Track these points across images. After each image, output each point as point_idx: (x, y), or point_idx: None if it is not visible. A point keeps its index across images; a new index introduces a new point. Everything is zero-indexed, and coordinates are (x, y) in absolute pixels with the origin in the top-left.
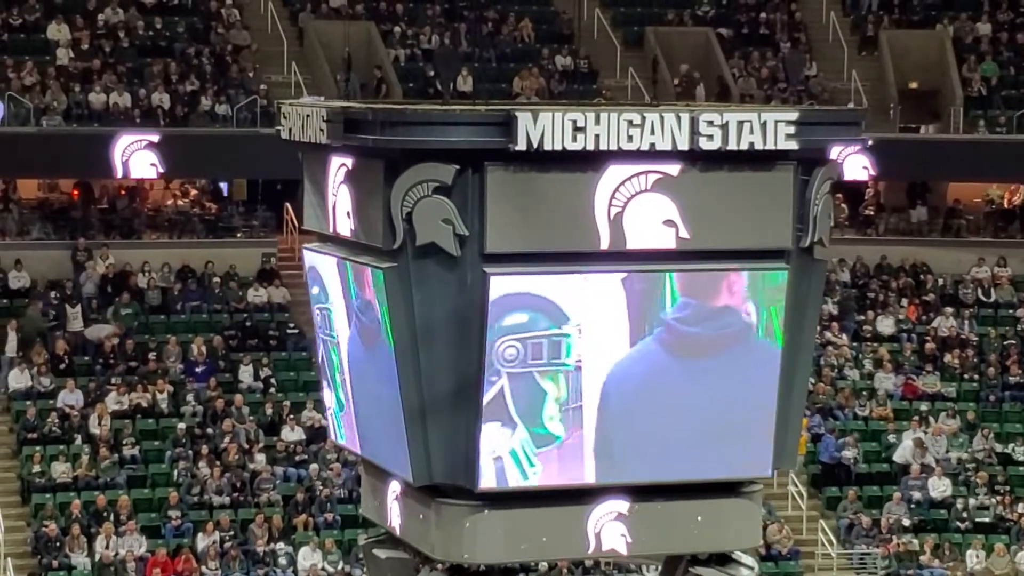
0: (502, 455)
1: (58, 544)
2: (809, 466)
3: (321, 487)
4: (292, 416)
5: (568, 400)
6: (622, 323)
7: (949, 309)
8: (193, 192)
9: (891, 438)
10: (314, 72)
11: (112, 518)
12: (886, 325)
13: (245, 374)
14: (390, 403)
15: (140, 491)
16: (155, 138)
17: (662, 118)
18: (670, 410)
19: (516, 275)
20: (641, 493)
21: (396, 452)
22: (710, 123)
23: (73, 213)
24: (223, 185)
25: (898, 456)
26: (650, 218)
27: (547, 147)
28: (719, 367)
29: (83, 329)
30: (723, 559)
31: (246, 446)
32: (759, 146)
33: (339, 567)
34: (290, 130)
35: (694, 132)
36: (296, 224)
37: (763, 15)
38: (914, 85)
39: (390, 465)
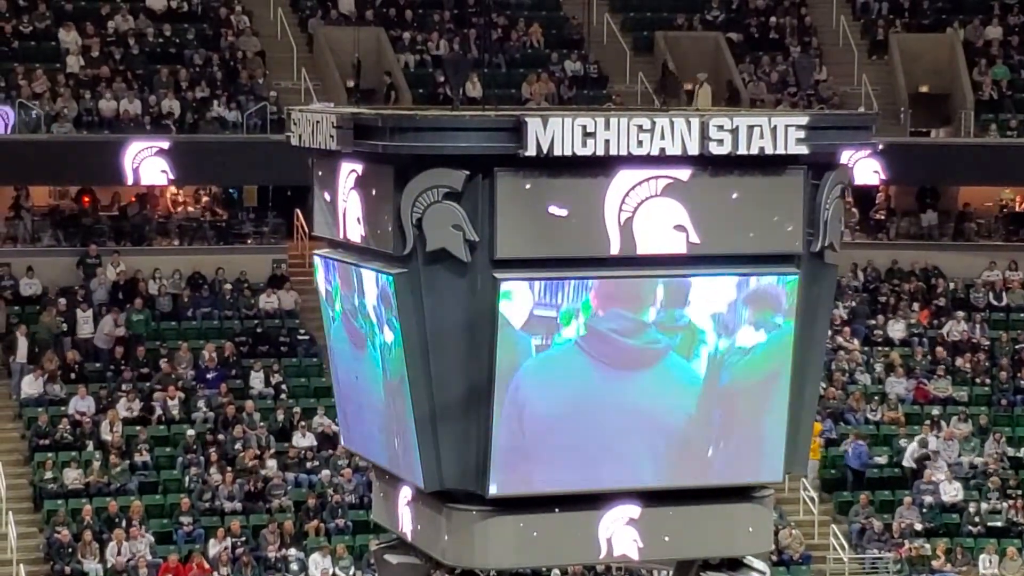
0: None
1: (70, 550)
2: (823, 471)
3: (332, 493)
4: (303, 422)
5: None
6: None
7: (960, 313)
8: (206, 199)
9: (903, 442)
10: (324, 78)
11: (124, 524)
12: (897, 329)
13: (256, 380)
14: (400, 409)
15: (152, 497)
16: (165, 145)
17: (672, 123)
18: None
19: (526, 280)
20: (652, 498)
21: (407, 458)
22: (720, 127)
23: (84, 220)
24: (233, 191)
25: (906, 459)
26: (660, 223)
27: (557, 152)
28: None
29: (93, 336)
30: (735, 564)
31: (257, 452)
32: (769, 151)
33: (351, 573)
34: (300, 136)
35: (704, 137)
36: (306, 230)
37: (773, 19)
38: (925, 89)
39: (401, 471)
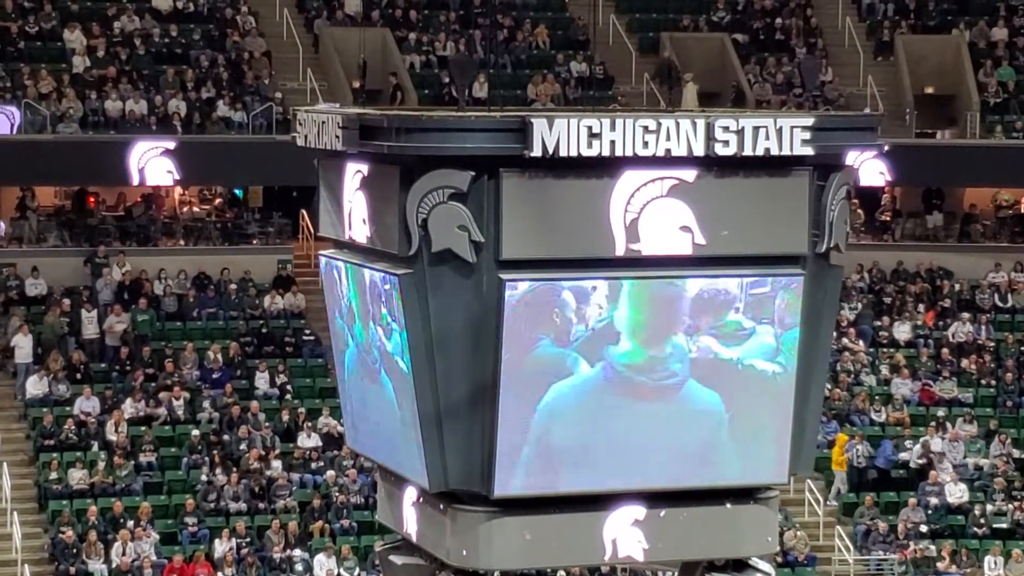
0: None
1: (75, 551)
2: (828, 473)
3: (337, 493)
4: (308, 423)
5: None
6: None
7: (966, 314)
8: (217, 200)
9: (908, 444)
10: (329, 79)
11: (129, 524)
12: (903, 331)
13: (261, 381)
14: (406, 409)
15: (157, 497)
16: (171, 145)
17: (678, 124)
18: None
19: (531, 281)
20: (658, 499)
21: (412, 458)
22: (726, 129)
23: (89, 220)
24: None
25: (913, 460)
26: (666, 224)
27: (562, 153)
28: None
29: (98, 335)
30: (740, 565)
31: (262, 452)
32: (775, 152)
33: (355, 573)
34: (306, 137)
35: (710, 138)
36: (312, 231)
37: (779, 21)
38: (930, 90)
39: (406, 471)
